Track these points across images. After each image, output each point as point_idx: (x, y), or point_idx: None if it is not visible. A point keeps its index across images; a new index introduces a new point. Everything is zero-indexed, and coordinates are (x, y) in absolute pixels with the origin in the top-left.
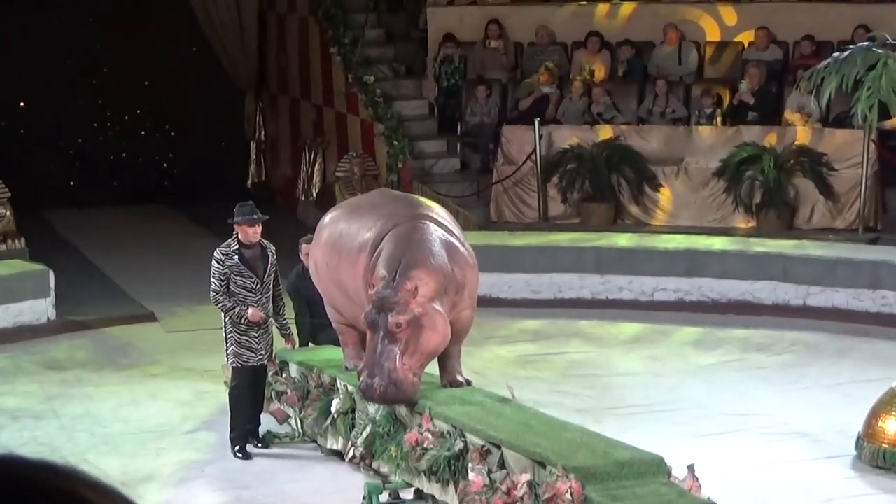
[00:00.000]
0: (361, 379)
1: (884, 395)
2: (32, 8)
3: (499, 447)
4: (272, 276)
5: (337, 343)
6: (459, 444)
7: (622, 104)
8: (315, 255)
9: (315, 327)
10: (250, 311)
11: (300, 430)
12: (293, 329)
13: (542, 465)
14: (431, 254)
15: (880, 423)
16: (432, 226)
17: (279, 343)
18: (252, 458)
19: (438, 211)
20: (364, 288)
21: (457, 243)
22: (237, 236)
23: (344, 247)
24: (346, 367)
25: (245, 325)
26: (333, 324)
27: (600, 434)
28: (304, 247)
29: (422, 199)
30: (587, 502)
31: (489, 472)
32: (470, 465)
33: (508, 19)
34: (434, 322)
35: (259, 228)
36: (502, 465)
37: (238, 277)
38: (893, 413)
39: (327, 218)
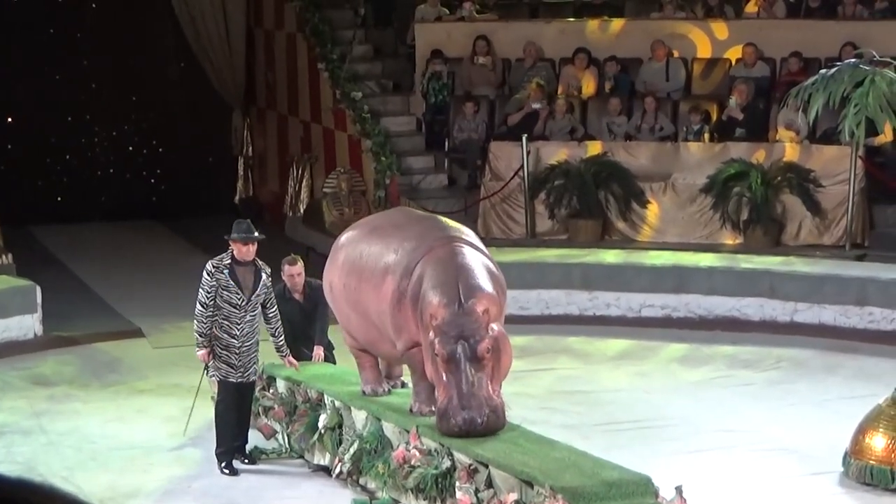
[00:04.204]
0: (455, 415)
1: (871, 412)
2: (19, 24)
3: (486, 466)
4: (262, 297)
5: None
6: (447, 463)
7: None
8: (330, 276)
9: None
10: (200, 352)
11: (287, 446)
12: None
13: (530, 484)
14: (483, 278)
15: (867, 440)
16: (469, 249)
17: (268, 359)
18: (239, 474)
19: (468, 233)
20: (390, 312)
21: (492, 267)
22: (232, 252)
23: (366, 268)
24: (364, 392)
25: (225, 342)
26: (348, 348)
27: (588, 453)
28: (286, 268)
29: (448, 220)
30: None
31: (476, 491)
32: (457, 483)
33: (496, 35)
34: (506, 344)
35: (253, 248)
36: (490, 484)
37: (225, 292)
38: (880, 429)
39: (343, 238)
